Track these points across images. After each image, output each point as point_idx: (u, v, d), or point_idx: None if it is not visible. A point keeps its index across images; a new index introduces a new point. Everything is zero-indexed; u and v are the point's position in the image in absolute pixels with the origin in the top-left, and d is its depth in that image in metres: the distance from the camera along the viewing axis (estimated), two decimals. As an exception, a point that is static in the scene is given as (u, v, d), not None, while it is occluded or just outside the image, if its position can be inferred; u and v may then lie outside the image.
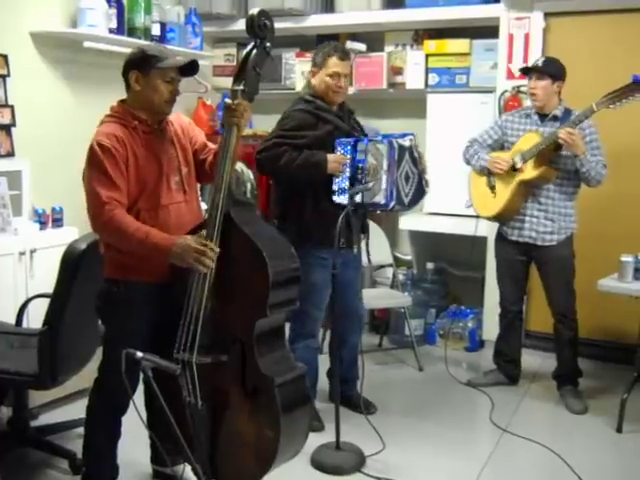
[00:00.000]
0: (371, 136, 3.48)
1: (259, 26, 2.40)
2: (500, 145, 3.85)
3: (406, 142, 3.31)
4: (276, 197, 3.44)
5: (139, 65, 2.48)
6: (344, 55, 3.33)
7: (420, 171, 3.34)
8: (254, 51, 2.43)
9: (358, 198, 3.18)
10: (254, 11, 2.40)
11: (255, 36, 2.42)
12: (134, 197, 2.46)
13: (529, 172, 3.62)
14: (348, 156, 3.25)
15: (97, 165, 2.39)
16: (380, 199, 3.20)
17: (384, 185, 3.19)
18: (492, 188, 3.78)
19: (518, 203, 3.71)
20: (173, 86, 2.49)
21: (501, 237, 3.88)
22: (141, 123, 2.50)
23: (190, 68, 2.52)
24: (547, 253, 3.72)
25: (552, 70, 3.61)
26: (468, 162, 3.90)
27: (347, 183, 3.24)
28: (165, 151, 2.55)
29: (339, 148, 3.29)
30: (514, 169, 3.66)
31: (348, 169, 3.24)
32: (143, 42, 4.28)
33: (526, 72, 3.70)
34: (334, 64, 3.29)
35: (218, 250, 2.35)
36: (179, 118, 2.69)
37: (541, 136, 3.59)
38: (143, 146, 2.48)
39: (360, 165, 3.22)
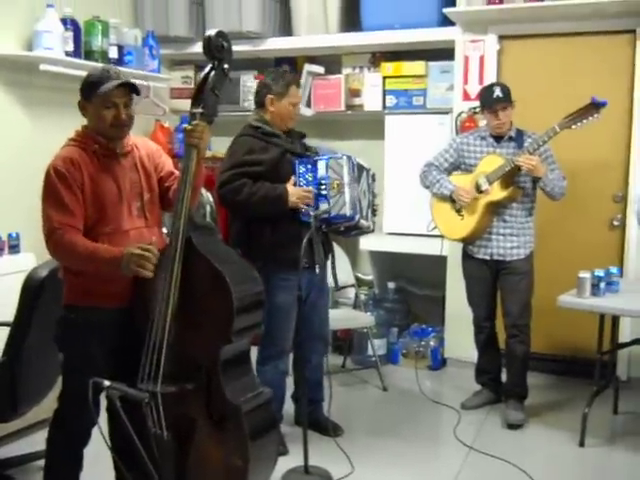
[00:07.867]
0: (329, 154, 3.46)
1: (217, 47, 2.36)
2: (456, 167, 3.90)
3: (363, 163, 3.41)
4: (235, 221, 3.42)
5: (83, 93, 2.45)
6: (299, 83, 3.47)
7: (373, 196, 3.46)
8: (212, 73, 2.39)
9: (324, 214, 3.21)
10: (211, 32, 2.36)
11: (213, 58, 2.39)
12: (92, 221, 2.42)
13: (497, 193, 3.68)
14: (312, 189, 3.24)
15: (51, 190, 2.38)
16: (346, 211, 3.21)
17: (348, 198, 3.22)
18: (458, 211, 3.81)
19: (487, 223, 3.76)
20: (117, 110, 2.42)
21: (468, 256, 3.90)
22: (101, 147, 2.45)
23: (134, 87, 2.45)
24: (512, 266, 3.77)
25: (510, 96, 3.67)
26: (428, 188, 3.92)
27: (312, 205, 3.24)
28: (126, 176, 2.50)
29: (300, 167, 3.29)
30: (479, 191, 3.71)
31: (313, 187, 3.24)
32: (100, 65, 4.25)
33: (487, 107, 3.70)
34: (295, 94, 3.40)
35: (157, 254, 2.31)
36: (146, 144, 2.64)
37: (503, 158, 3.65)
38: (102, 170, 2.44)
39: (323, 181, 3.24)
